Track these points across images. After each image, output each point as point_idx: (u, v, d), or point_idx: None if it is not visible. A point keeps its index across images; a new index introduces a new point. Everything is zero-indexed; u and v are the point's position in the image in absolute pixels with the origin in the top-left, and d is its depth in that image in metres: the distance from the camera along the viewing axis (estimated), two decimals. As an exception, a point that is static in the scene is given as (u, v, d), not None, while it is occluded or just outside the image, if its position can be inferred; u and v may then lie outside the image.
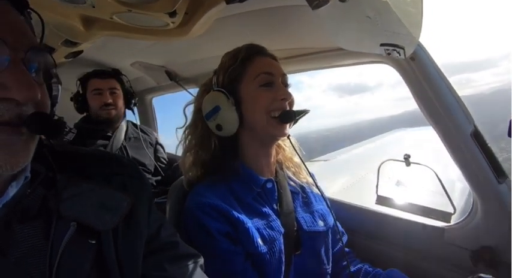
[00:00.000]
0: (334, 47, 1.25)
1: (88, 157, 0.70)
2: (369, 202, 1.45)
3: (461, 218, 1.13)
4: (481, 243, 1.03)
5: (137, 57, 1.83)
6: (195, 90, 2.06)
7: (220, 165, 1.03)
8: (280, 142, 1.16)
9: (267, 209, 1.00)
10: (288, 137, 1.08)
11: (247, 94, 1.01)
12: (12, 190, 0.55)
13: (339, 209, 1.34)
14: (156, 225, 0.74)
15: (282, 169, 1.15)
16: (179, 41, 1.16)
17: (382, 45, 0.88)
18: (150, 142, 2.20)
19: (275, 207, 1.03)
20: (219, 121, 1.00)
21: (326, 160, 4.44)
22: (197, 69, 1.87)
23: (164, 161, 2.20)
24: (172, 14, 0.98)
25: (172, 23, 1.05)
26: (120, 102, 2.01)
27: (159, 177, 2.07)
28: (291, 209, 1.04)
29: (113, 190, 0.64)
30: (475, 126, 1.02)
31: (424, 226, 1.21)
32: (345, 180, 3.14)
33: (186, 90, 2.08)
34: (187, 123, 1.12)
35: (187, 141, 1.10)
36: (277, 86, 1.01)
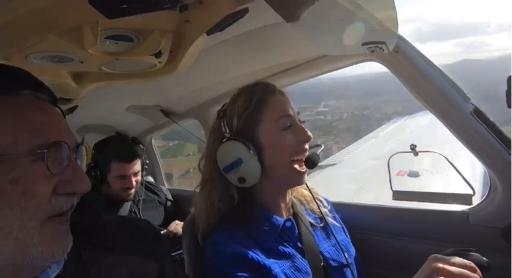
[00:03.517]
0: (321, 55, 1.27)
1: (108, 227, 0.72)
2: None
3: (483, 198, 1.11)
4: (510, 218, 1.01)
5: (131, 101, 1.87)
6: (191, 123, 2.10)
7: (238, 213, 0.98)
8: None
9: (290, 250, 0.96)
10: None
11: (269, 140, 0.96)
12: (53, 272, 0.57)
13: (352, 211, 1.32)
14: None
15: (298, 203, 1.12)
16: (169, 77, 1.19)
17: (364, 44, 0.91)
18: (159, 201, 2.17)
19: (299, 245, 0.99)
20: (241, 174, 0.94)
21: (333, 164, 4.43)
22: (192, 101, 1.89)
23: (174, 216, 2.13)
24: (158, 55, 1.01)
25: (159, 62, 1.08)
26: (140, 179, 1.97)
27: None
28: (314, 244, 1.00)
29: (138, 259, 0.67)
30: (473, 104, 1.03)
31: (447, 212, 1.18)
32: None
33: (181, 125, 2.10)
34: (204, 176, 1.05)
35: (204, 194, 1.02)
36: (297, 128, 0.97)
